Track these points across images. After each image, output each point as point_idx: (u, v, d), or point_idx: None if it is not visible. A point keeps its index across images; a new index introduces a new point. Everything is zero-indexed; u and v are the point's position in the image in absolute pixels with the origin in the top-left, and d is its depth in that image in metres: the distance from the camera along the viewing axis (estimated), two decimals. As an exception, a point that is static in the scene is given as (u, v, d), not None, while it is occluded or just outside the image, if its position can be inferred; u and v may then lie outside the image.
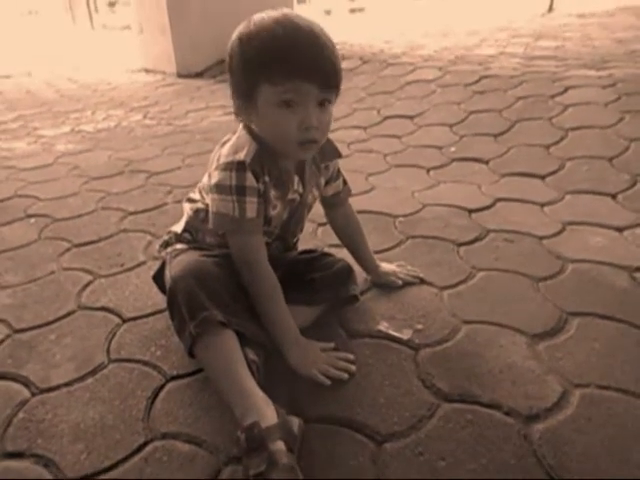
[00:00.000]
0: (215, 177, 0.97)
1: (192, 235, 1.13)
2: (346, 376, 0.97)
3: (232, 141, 1.01)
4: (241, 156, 0.95)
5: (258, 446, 0.77)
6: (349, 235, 1.27)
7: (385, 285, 1.25)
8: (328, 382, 0.96)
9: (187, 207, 1.14)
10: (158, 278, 1.16)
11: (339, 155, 1.13)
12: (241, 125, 1.03)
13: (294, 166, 1.05)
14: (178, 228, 1.14)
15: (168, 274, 1.00)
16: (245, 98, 0.95)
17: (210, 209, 1.00)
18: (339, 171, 1.19)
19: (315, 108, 0.93)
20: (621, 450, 0.81)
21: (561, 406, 0.90)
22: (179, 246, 1.10)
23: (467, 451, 0.82)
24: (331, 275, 1.12)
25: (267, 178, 0.99)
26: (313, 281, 1.10)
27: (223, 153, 0.99)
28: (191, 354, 0.93)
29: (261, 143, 0.98)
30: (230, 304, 0.93)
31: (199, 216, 1.10)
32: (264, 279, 1.00)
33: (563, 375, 0.97)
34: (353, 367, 0.99)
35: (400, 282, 1.25)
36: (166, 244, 1.14)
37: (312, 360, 0.98)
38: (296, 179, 1.05)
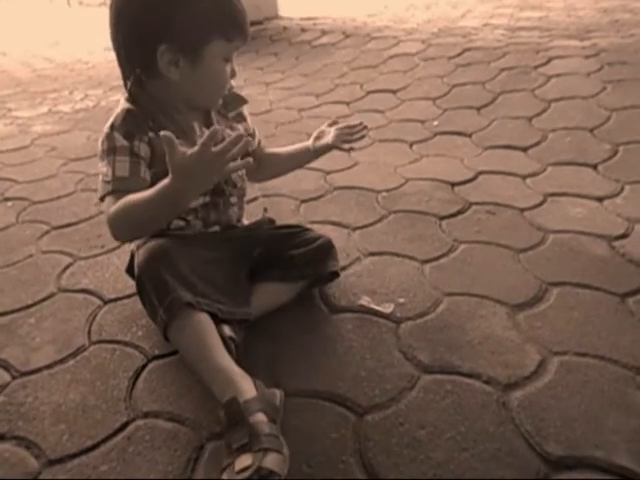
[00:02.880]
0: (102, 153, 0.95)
1: None
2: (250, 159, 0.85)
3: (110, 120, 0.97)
4: (109, 123, 0.95)
5: (238, 421, 0.77)
6: (280, 164, 1.27)
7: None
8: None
9: None
10: (130, 270, 1.12)
11: (245, 101, 1.13)
12: (122, 99, 1.00)
13: (199, 118, 1.03)
14: None
15: (135, 263, 0.98)
16: (190, 51, 0.93)
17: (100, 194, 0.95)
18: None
19: None
20: (597, 415, 0.83)
21: (539, 374, 0.91)
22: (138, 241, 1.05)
23: (447, 420, 0.83)
24: (311, 251, 1.11)
25: (152, 134, 0.95)
26: (293, 258, 1.09)
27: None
28: (167, 338, 0.92)
29: (144, 104, 0.97)
30: (198, 284, 0.92)
31: None
32: (126, 209, 0.87)
33: (542, 344, 0.98)
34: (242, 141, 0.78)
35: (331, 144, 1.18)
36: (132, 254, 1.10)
37: (203, 177, 0.80)
38: (203, 130, 1.02)
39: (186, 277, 0.91)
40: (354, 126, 1.19)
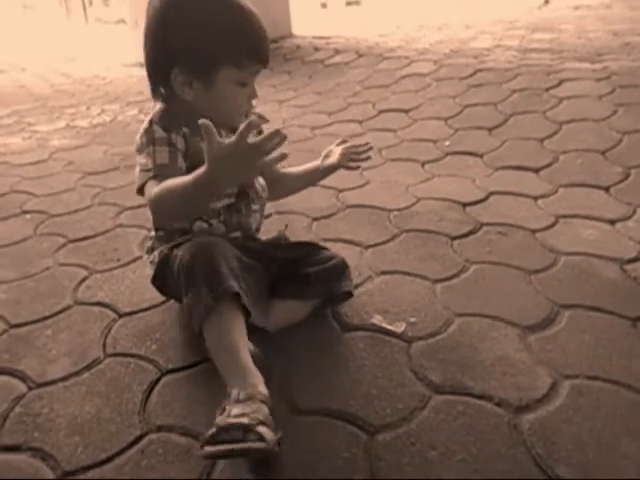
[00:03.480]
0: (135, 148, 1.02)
1: (165, 232, 1.11)
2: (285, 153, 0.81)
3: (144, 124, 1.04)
4: (147, 119, 1.02)
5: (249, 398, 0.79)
6: (292, 184, 1.31)
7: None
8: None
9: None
10: (157, 279, 1.11)
11: (266, 120, 1.19)
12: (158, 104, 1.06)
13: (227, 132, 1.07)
14: (153, 232, 1.14)
15: (178, 260, 0.96)
16: (201, 75, 0.99)
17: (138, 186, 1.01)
18: None
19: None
20: (609, 440, 0.83)
21: (551, 397, 0.91)
22: (166, 245, 1.08)
23: (458, 441, 0.84)
24: (326, 270, 1.12)
25: (186, 129, 1.02)
26: (308, 276, 1.11)
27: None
28: (199, 330, 0.90)
29: (176, 110, 1.03)
30: (242, 280, 0.93)
31: None
32: (165, 192, 0.92)
33: (553, 366, 0.98)
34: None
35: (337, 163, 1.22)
36: (151, 249, 1.13)
37: (238, 168, 0.82)
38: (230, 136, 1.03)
39: (235, 269, 0.93)
40: (360, 146, 1.23)
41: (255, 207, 1.15)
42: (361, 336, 1.09)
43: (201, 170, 0.84)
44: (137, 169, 1.01)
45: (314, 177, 1.29)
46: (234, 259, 0.95)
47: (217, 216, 1.08)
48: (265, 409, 0.79)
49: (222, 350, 0.88)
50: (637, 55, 2.84)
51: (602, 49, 3.11)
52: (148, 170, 0.97)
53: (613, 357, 1.00)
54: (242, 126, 0.76)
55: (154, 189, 0.94)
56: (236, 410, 0.76)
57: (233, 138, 0.78)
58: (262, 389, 0.83)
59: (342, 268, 1.15)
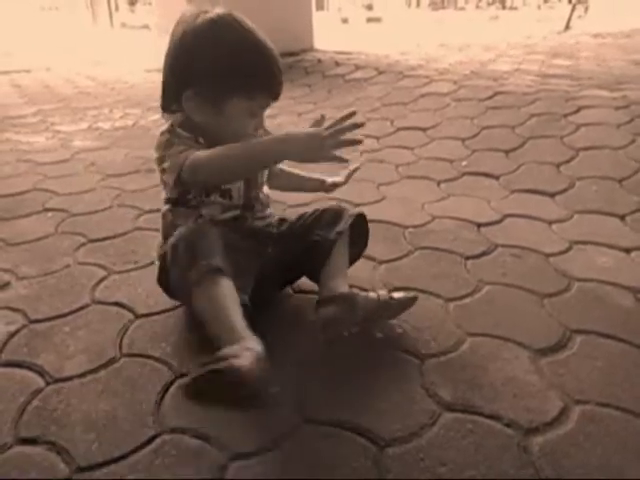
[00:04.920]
0: (156, 153, 1.08)
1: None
2: (360, 138, 0.94)
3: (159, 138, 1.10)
4: (168, 124, 1.10)
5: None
6: (290, 179, 1.35)
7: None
8: (345, 158, 0.99)
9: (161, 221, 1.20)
10: (163, 279, 1.15)
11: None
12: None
13: None
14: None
15: (169, 246, 1.03)
16: (212, 101, 1.05)
17: (165, 175, 1.06)
18: None
19: None
20: (617, 467, 0.83)
21: (561, 421, 0.92)
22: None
23: (467, 459, 0.84)
24: (319, 215, 1.22)
25: (202, 140, 1.09)
26: (317, 243, 1.16)
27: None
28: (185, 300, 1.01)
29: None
30: (226, 258, 0.98)
31: (167, 219, 1.17)
32: (218, 153, 0.99)
33: (564, 391, 0.99)
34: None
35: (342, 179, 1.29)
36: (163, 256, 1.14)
37: (315, 146, 0.93)
38: None
39: (219, 249, 0.98)
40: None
41: (260, 216, 1.21)
42: (374, 352, 1.10)
43: (280, 135, 0.98)
44: (167, 164, 1.05)
45: (310, 185, 1.36)
46: (218, 237, 1.00)
47: (223, 226, 1.10)
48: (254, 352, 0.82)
49: (213, 316, 0.93)
50: (657, 85, 2.85)
51: (621, 78, 3.12)
52: (181, 152, 1.02)
53: (625, 385, 1.00)
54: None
55: (203, 153, 1.00)
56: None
57: (311, 130, 0.95)
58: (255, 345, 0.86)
59: (336, 211, 1.21)
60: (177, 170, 1.02)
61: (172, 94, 1.09)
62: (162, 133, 1.10)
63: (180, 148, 1.04)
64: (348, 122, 0.94)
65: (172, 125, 1.10)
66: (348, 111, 0.95)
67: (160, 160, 1.08)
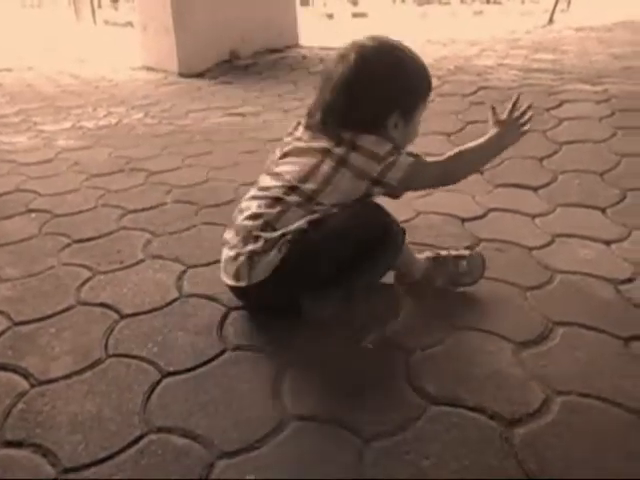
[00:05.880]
0: (383, 160, 1.14)
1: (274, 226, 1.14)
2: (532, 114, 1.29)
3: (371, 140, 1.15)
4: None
5: None
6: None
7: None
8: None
9: (268, 211, 1.15)
10: (286, 265, 1.10)
11: None
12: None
13: None
14: (262, 227, 1.14)
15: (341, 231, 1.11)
16: (406, 115, 1.20)
17: (400, 178, 1.16)
18: None
19: None
20: (598, 457, 0.85)
21: (543, 412, 0.93)
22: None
23: (451, 452, 0.86)
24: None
25: None
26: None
27: (376, 146, 1.15)
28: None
29: None
30: None
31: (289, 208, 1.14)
32: (465, 152, 1.27)
33: (546, 382, 1.00)
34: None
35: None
36: (271, 243, 1.12)
37: (512, 135, 1.29)
38: None
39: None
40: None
41: None
42: (360, 348, 1.11)
43: (492, 136, 1.27)
44: (397, 171, 1.14)
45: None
46: None
47: None
48: None
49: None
50: (638, 79, 2.89)
51: (603, 72, 3.16)
52: (410, 155, 1.17)
53: (605, 376, 1.02)
54: (510, 106, 1.25)
55: (447, 155, 1.24)
56: None
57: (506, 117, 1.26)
58: None
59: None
60: (412, 170, 1.16)
61: (374, 123, 1.17)
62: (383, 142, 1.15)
63: (402, 159, 1.16)
64: (520, 106, 1.28)
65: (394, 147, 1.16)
66: (516, 97, 1.27)
67: (388, 154, 1.14)
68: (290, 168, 1.18)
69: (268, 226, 1.13)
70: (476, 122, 2.50)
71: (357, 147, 1.13)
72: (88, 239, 1.62)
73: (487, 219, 1.72)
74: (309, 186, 1.14)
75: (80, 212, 1.83)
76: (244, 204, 1.22)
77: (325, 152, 1.14)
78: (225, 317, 1.23)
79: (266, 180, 1.22)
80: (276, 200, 1.15)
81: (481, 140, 1.27)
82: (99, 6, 10.76)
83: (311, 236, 1.10)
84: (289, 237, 1.10)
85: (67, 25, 10.59)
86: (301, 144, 1.20)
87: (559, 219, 1.70)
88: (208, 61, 4.44)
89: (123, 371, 1.06)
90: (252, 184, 1.99)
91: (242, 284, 1.16)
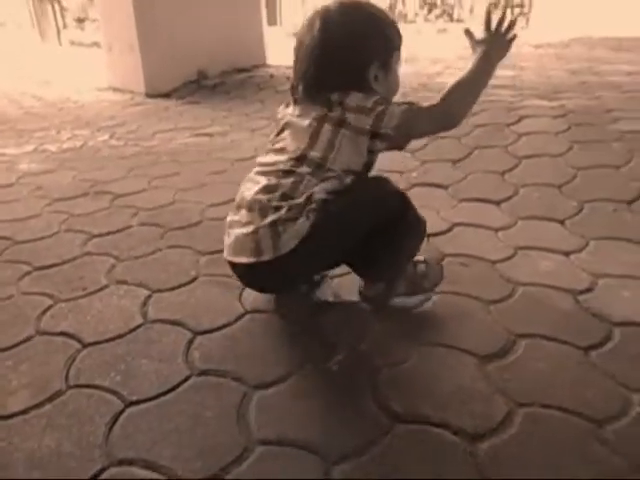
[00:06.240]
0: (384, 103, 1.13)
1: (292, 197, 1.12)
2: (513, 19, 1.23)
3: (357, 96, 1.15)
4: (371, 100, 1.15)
5: None
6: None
7: None
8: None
9: (281, 181, 1.14)
10: (317, 228, 1.09)
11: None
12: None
13: None
14: (282, 197, 1.12)
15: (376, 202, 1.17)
16: (385, 66, 1.20)
17: (396, 126, 1.12)
18: None
19: None
20: (558, 466, 0.87)
21: (505, 425, 0.95)
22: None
23: (416, 470, 0.86)
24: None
25: None
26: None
27: (362, 101, 1.14)
28: None
29: None
30: None
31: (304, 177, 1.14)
32: (456, 87, 1.18)
33: (509, 395, 1.02)
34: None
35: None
36: (295, 212, 1.10)
37: (499, 47, 1.20)
38: None
39: None
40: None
41: None
42: (324, 368, 1.11)
43: (479, 57, 1.17)
44: (397, 114, 1.11)
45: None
46: None
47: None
48: None
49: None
50: (592, 94, 3.00)
51: (559, 87, 3.28)
52: (405, 103, 1.14)
53: (566, 386, 1.05)
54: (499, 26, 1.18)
55: (441, 95, 1.16)
56: None
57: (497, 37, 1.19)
58: None
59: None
60: (407, 116, 1.12)
61: (353, 79, 1.17)
62: (368, 96, 1.14)
63: (394, 106, 1.13)
64: (500, 18, 1.20)
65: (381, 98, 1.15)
66: (503, 11, 1.26)
67: (375, 104, 1.12)
68: (291, 141, 1.18)
69: (287, 197, 1.11)
70: (441, 138, 2.55)
71: (347, 106, 1.13)
72: (50, 266, 1.59)
73: (452, 234, 1.75)
74: (315, 154, 1.14)
75: (42, 238, 1.79)
76: (248, 184, 1.20)
77: (321, 118, 1.15)
78: (191, 342, 1.22)
79: (269, 157, 1.21)
80: (287, 172, 1.14)
81: (469, 67, 1.18)
82: (64, 26, 10.66)
83: (332, 207, 1.10)
84: (314, 206, 1.09)
85: (31, 45, 10.45)
86: (295, 118, 1.20)
87: (520, 232, 1.74)
88: (175, 81, 4.43)
89: (84, 402, 1.04)
90: (219, 205, 1.99)
91: (266, 258, 1.09)
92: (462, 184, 2.14)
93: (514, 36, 1.20)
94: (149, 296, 1.41)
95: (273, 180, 1.14)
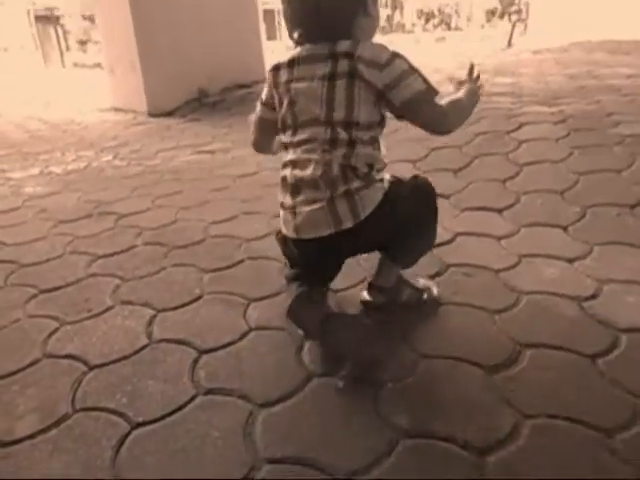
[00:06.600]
0: (401, 64, 1.13)
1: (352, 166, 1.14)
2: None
3: (370, 47, 1.14)
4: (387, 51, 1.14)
5: None
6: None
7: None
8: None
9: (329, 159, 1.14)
10: (386, 201, 1.16)
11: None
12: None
13: None
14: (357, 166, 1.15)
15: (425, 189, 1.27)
16: (367, 12, 1.17)
17: (407, 100, 1.13)
18: None
19: None
20: (565, 477, 0.86)
21: (513, 437, 0.94)
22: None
23: (424, 486, 0.85)
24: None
25: None
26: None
27: (376, 53, 1.12)
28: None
29: None
30: None
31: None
32: (455, 104, 1.24)
33: (516, 406, 1.01)
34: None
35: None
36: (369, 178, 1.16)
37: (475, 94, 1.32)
38: None
39: None
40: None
41: None
42: (328, 383, 1.11)
43: (465, 96, 1.27)
44: (416, 80, 1.12)
45: None
46: None
47: None
48: None
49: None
50: (591, 99, 3.01)
51: (559, 92, 3.28)
52: (424, 82, 1.14)
53: (573, 395, 1.04)
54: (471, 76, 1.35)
55: (444, 102, 1.19)
56: None
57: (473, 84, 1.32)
58: None
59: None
60: (420, 98, 1.13)
61: (343, 28, 1.14)
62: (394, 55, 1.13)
63: (419, 79, 1.14)
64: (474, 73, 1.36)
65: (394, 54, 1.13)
66: (470, 65, 1.38)
67: (392, 59, 1.12)
68: (311, 108, 1.14)
69: (347, 168, 1.13)
70: (440, 148, 2.56)
71: (359, 56, 1.10)
72: (55, 288, 1.60)
73: (455, 244, 1.75)
74: (338, 114, 1.12)
75: (47, 260, 1.81)
76: (296, 164, 1.18)
77: (330, 75, 1.12)
78: (196, 361, 1.22)
79: (302, 133, 1.17)
80: (331, 142, 1.13)
81: (459, 94, 1.27)
82: (67, 49, 10.83)
83: (395, 189, 1.19)
84: (380, 176, 1.18)
85: (35, 69, 10.61)
86: (300, 84, 1.16)
87: (524, 239, 1.74)
88: (177, 100, 4.49)
89: (91, 425, 1.04)
90: (221, 222, 2.00)
91: (348, 225, 1.13)
92: (464, 193, 2.14)
93: (481, 84, 1.38)
94: (154, 316, 1.41)
95: (326, 155, 1.13)
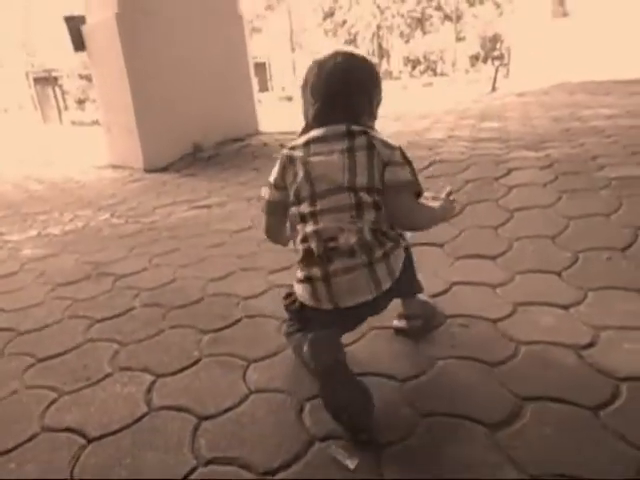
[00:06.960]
0: (402, 155, 1.27)
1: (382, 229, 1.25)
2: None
3: (379, 134, 1.29)
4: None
5: None
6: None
7: None
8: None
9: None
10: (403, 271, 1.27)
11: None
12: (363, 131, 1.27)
13: None
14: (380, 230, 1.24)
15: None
16: (372, 105, 1.37)
17: (393, 183, 1.24)
18: None
19: None
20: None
21: (519, 500, 0.93)
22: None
23: None
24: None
25: None
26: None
27: (384, 139, 1.27)
28: None
29: None
30: None
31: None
32: (425, 210, 1.39)
33: (519, 465, 1.01)
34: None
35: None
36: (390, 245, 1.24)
37: (450, 209, 1.46)
38: None
39: None
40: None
41: None
42: (311, 460, 1.10)
43: (439, 207, 1.40)
44: (400, 174, 1.25)
45: None
46: None
47: None
48: None
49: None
50: (576, 142, 3.10)
51: (545, 136, 3.38)
52: (414, 183, 1.28)
53: (576, 450, 1.03)
54: (448, 196, 1.45)
55: (420, 202, 1.35)
56: None
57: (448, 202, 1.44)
58: None
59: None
60: (405, 188, 1.27)
61: (366, 112, 1.33)
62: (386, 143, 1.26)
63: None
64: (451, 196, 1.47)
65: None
66: (448, 190, 1.48)
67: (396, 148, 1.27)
68: (333, 177, 1.22)
69: (378, 232, 1.22)
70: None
71: (372, 135, 1.25)
72: (53, 356, 1.59)
73: (451, 293, 1.76)
74: (361, 179, 1.21)
75: (45, 326, 1.81)
76: (315, 243, 1.21)
77: (350, 148, 1.23)
78: (196, 428, 1.21)
79: (324, 200, 1.22)
80: (358, 208, 1.21)
81: (435, 204, 1.41)
82: (65, 108, 11.13)
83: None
84: (400, 236, 1.29)
85: (34, 128, 10.86)
86: (317, 157, 1.25)
87: (518, 287, 1.75)
88: (172, 155, 4.59)
89: (90, 503, 1.02)
90: (218, 279, 2.02)
91: (386, 286, 1.22)
92: (457, 241, 2.17)
93: (454, 200, 1.49)
94: (153, 381, 1.41)
95: (358, 222, 1.20)
